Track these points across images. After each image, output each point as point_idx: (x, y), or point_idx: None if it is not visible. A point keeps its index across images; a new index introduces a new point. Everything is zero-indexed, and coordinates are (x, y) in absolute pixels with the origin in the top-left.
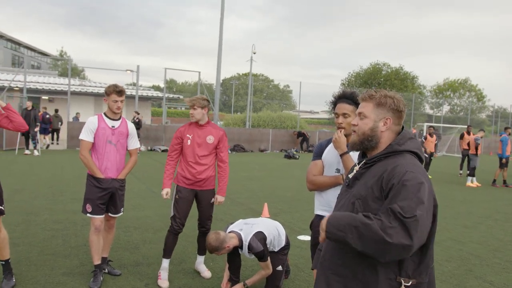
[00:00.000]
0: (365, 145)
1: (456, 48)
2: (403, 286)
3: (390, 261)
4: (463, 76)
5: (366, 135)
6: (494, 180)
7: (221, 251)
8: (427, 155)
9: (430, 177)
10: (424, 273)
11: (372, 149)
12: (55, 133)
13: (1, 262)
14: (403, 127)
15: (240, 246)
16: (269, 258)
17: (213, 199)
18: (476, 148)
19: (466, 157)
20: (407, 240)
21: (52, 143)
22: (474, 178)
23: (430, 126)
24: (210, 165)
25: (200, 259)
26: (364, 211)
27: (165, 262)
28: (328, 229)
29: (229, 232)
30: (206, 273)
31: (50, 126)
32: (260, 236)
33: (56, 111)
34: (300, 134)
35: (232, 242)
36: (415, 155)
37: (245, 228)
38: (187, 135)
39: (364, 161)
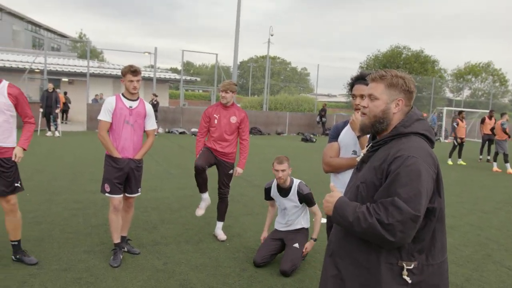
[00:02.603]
0: (376, 127)
1: (480, 30)
2: (405, 269)
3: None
4: (486, 59)
5: (377, 118)
6: None
7: (286, 166)
8: (456, 143)
9: (464, 163)
10: (429, 255)
11: (383, 131)
12: (64, 114)
13: (14, 243)
14: (412, 107)
15: (289, 187)
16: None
17: (231, 171)
18: (506, 133)
19: (487, 142)
20: (406, 239)
21: (63, 122)
22: (508, 165)
23: (461, 111)
24: (232, 142)
25: (219, 225)
26: (367, 195)
27: (204, 195)
28: (333, 214)
29: None
30: (222, 236)
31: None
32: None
33: (65, 93)
34: (319, 115)
35: (289, 174)
36: (424, 137)
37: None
38: (215, 115)
39: (371, 144)
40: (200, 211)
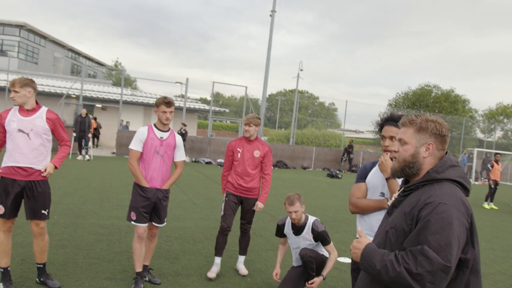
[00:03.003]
0: (406, 172)
1: None
2: None
3: None
4: None
5: (407, 162)
6: None
7: (298, 206)
8: (493, 185)
9: (495, 208)
10: None
11: (414, 176)
12: (95, 138)
13: (39, 265)
14: (446, 152)
15: (303, 225)
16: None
17: (254, 207)
18: None
19: None
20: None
21: (93, 146)
22: None
23: (497, 153)
24: (255, 177)
25: (241, 258)
26: (396, 241)
27: (217, 259)
28: (361, 261)
29: None
30: (243, 271)
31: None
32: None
33: (95, 118)
34: (346, 151)
35: (302, 212)
36: (458, 183)
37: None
38: (238, 149)
39: (402, 188)
40: (211, 274)
